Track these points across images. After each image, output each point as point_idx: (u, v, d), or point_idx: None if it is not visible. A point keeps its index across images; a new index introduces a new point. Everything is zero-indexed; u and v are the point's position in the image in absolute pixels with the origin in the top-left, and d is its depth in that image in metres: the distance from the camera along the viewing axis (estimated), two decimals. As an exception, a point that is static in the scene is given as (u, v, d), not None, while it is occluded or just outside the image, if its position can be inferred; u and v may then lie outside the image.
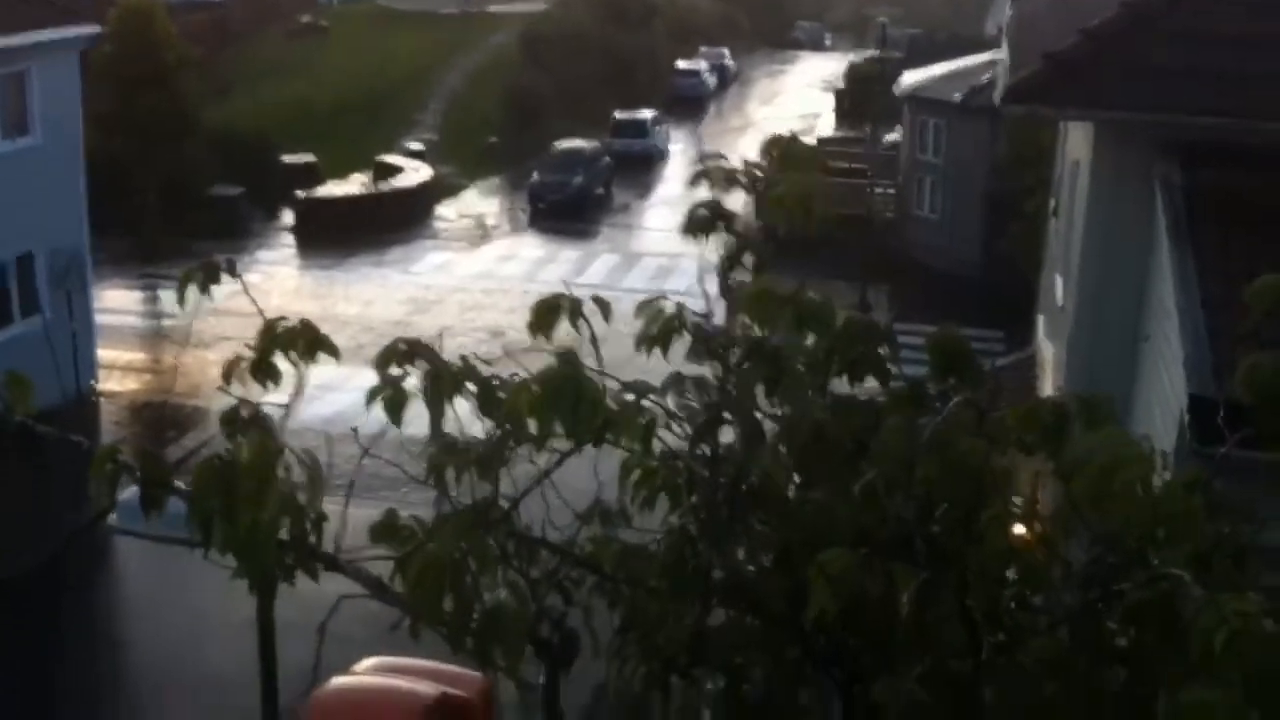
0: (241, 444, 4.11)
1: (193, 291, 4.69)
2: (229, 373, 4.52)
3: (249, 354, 4.51)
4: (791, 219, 4.97)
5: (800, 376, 4.52)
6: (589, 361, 4.28)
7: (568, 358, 4.20)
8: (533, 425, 4.31)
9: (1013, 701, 3.85)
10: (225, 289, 4.81)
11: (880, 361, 4.64)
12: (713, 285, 5.03)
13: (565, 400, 4.12)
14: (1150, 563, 4.26)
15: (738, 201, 5.52)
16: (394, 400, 4.32)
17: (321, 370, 4.91)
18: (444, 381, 4.36)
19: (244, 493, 3.96)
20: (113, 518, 20.01)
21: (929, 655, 4.17)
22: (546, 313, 4.52)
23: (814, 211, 4.99)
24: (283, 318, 4.55)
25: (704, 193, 5.24)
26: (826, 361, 4.55)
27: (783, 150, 5.36)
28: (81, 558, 20.36)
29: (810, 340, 4.58)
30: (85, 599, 19.78)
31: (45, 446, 4.92)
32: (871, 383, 4.77)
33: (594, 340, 4.28)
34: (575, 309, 4.48)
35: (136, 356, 30.66)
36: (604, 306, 4.66)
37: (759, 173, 5.24)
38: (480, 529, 4.24)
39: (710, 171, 5.29)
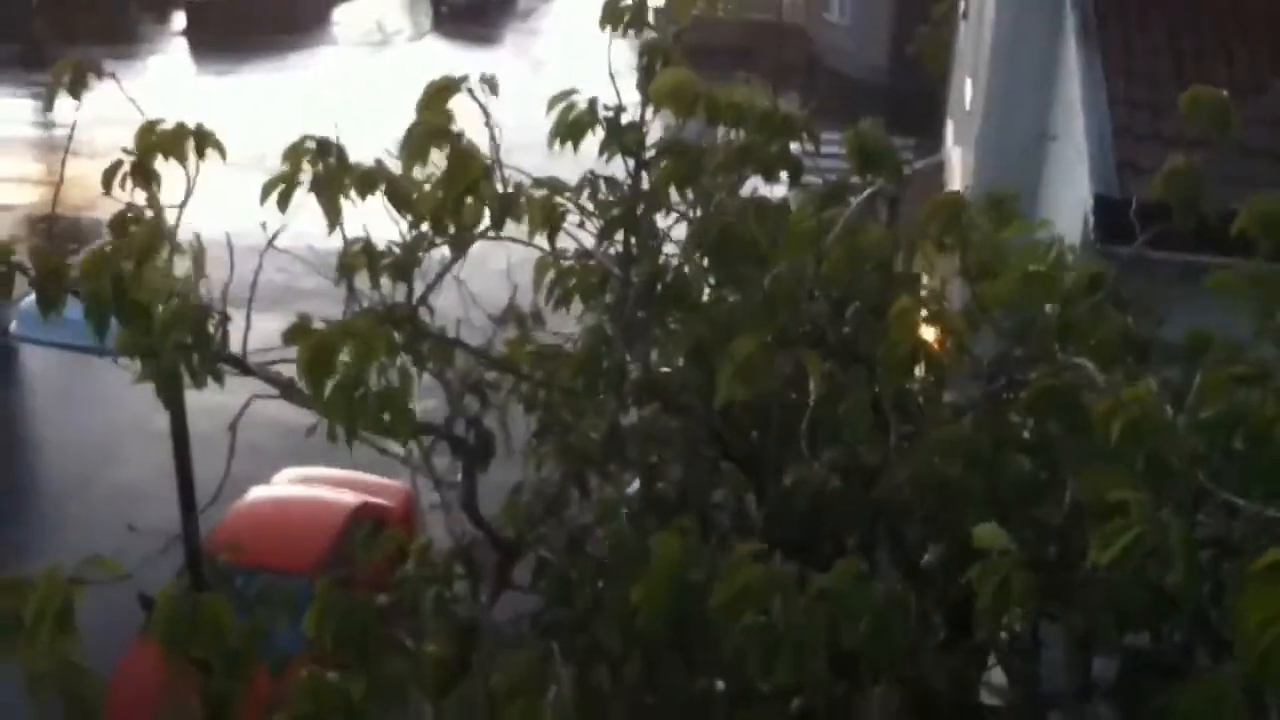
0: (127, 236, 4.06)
1: (64, 95, 4.53)
2: (109, 179, 4.42)
3: (129, 160, 4.41)
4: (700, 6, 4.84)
5: (714, 174, 4.49)
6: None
7: (462, 141, 4.08)
8: (451, 226, 4.25)
9: (918, 485, 3.97)
10: (118, 97, 4.67)
11: (795, 159, 4.63)
12: (626, 82, 4.95)
13: (457, 181, 4.02)
14: (1055, 356, 4.37)
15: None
16: (285, 193, 4.25)
17: (219, 178, 4.81)
18: (338, 179, 4.26)
19: (127, 277, 3.91)
20: (14, 326, 19.59)
21: (838, 444, 4.27)
22: (437, 94, 4.31)
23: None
24: (161, 120, 4.44)
25: None
26: (741, 159, 4.53)
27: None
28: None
29: (724, 135, 4.54)
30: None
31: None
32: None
33: (489, 123, 4.14)
34: (457, 88, 4.26)
35: (29, 168, 29.72)
36: (492, 85, 4.44)
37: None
38: (386, 324, 4.19)
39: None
